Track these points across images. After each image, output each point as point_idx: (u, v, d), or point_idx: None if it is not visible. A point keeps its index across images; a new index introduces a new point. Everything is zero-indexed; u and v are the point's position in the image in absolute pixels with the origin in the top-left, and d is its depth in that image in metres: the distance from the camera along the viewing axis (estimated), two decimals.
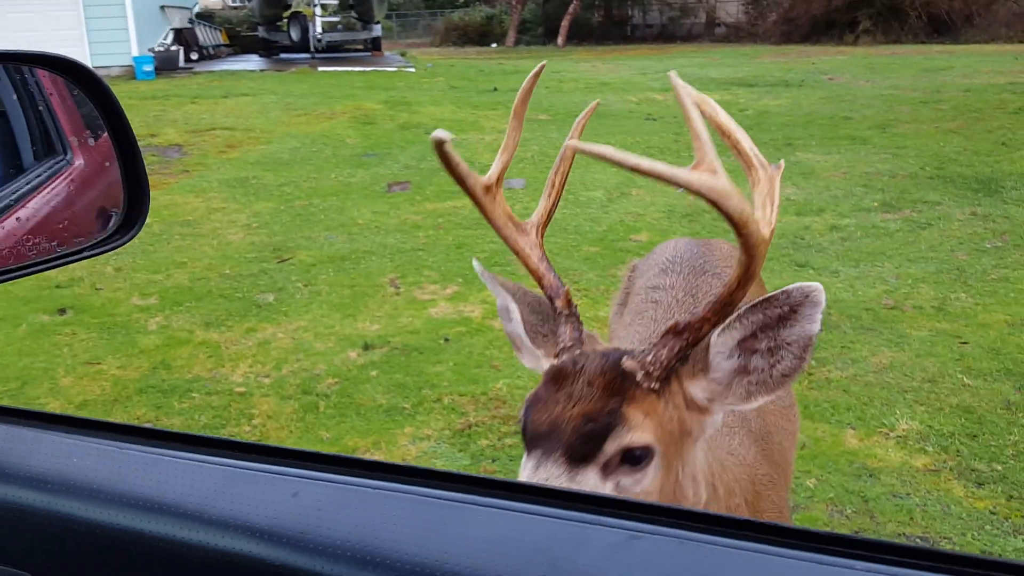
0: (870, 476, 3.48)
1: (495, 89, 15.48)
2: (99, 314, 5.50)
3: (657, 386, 1.25)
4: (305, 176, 9.27)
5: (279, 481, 0.65)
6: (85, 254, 1.09)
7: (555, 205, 1.44)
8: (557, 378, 1.28)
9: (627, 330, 2.20)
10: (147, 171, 1.20)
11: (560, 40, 29.97)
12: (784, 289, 1.19)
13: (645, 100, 13.95)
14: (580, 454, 1.21)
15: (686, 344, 1.25)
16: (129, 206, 1.08)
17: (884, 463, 3.57)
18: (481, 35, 33.52)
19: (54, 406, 4.29)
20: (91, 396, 4.38)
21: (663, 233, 6.86)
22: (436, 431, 3.94)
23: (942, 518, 3.19)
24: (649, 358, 1.25)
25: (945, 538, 3.08)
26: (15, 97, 1.21)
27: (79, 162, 1.32)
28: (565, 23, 30.23)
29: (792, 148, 9.73)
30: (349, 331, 5.14)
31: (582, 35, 31.06)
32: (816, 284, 1.18)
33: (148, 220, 1.22)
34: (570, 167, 1.45)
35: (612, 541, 0.56)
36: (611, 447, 1.22)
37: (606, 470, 1.22)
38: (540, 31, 32.84)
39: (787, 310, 1.20)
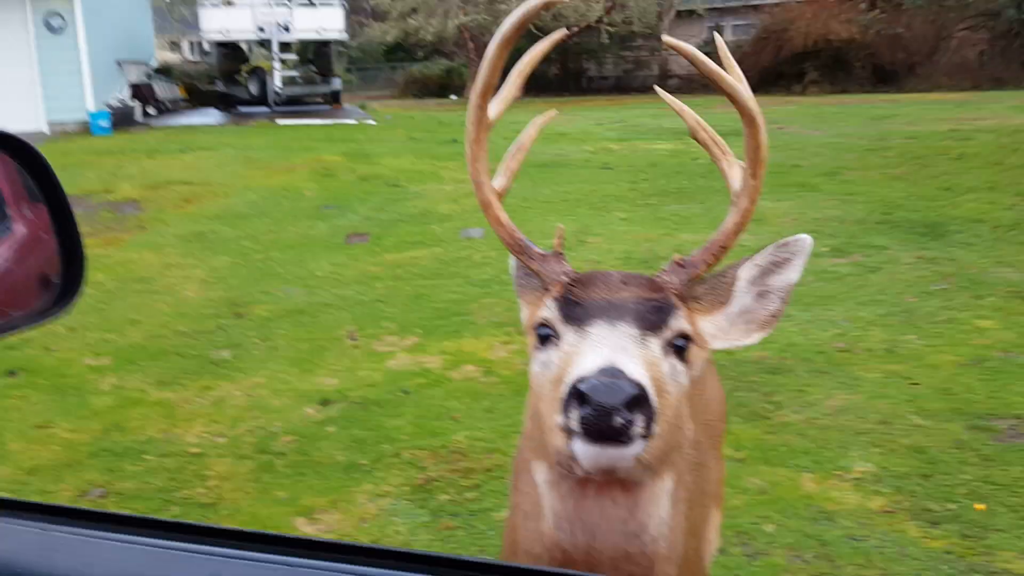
0: (827, 519, 3.51)
1: (455, 140, 15.64)
2: (51, 375, 5.37)
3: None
4: (264, 229, 9.24)
5: (200, 561, 0.63)
6: (21, 326, 1.08)
7: (510, 182, 1.57)
8: (584, 282, 1.29)
9: None
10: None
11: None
12: (786, 240, 1.36)
13: (601, 149, 14.20)
14: (649, 322, 1.22)
15: (688, 277, 1.34)
16: (65, 279, 1.08)
17: (841, 506, 3.61)
18: (441, 87, 34.00)
19: (3, 472, 4.16)
20: (42, 461, 4.26)
21: None
22: (395, 487, 3.89)
23: (899, 560, 3.22)
24: (666, 278, 1.33)
25: None
26: None
27: (20, 229, 1.32)
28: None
29: None
30: (307, 386, 5.08)
31: (540, 87, 31.63)
32: (808, 236, 1.35)
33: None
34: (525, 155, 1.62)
35: None
36: (674, 324, 1.25)
37: (666, 349, 1.24)
38: (498, 83, 33.34)
39: (784, 257, 1.35)
